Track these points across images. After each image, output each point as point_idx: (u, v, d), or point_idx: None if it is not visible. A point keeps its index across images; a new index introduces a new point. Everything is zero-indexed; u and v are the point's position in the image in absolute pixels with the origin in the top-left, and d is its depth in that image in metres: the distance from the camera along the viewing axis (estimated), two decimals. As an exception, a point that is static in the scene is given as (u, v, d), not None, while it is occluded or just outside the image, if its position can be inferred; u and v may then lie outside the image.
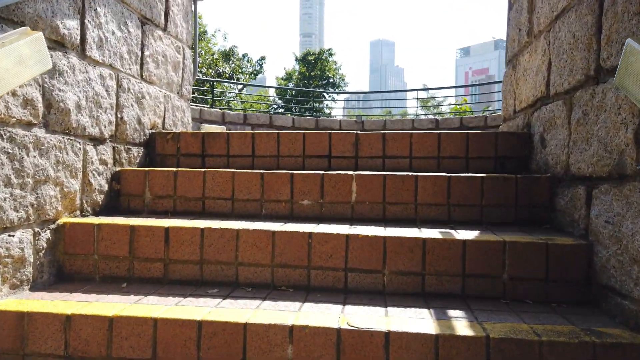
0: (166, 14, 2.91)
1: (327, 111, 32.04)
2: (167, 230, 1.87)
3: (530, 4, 2.51)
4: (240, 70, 24.25)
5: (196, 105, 8.78)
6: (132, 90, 2.50)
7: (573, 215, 1.85)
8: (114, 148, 2.34)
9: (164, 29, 2.90)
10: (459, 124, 8.76)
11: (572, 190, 1.86)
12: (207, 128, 8.32)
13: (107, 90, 2.25)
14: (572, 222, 1.86)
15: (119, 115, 2.38)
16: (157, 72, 2.81)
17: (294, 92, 32.97)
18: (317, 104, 33.04)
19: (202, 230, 1.85)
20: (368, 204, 2.16)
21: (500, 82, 9.58)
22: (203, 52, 22.42)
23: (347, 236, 1.78)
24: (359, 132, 2.56)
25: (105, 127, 2.25)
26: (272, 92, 36.81)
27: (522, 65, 2.63)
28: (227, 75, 23.35)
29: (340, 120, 9.60)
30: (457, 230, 1.92)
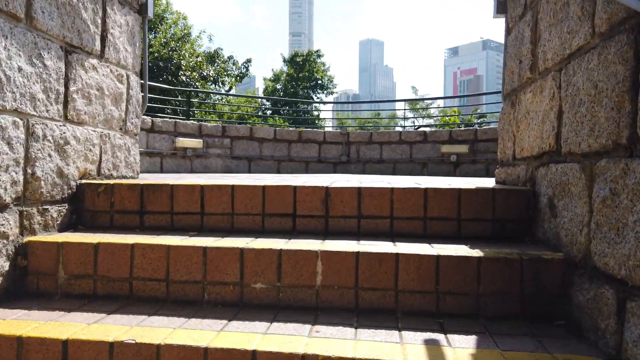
0: (103, 38, 2.45)
1: (315, 113, 31.60)
2: (65, 344, 1.41)
3: (533, 34, 2.09)
4: (225, 73, 23.66)
5: (170, 118, 8.25)
6: (50, 138, 2.03)
7: (597, 321, 1.43)
8: (21, 213, 1.87)
9: (100, 56, 2.43)
10: (448, 136, 8.37)
11: (596, 288, 1.44)
12: (182, 142, 7.83)
13: (9, 143, 1.79)
14: (595, 329, 1.44)
15: (29, 171, 1.91)
16: (90, 109, 2.34)
17: (281, 94, 32.53)
18: (305, 107, 32.63)
19: (112, 345, 1.40)
20: (337, 289, 1.73)
21: (494, 92, 9.23)
22: (187, 55, 21.81)
23: (303, 357, 1.34)
24: (330, 186, 2.13)
25: (6, 190, 1.78)
26: (260, 94, 36.28)
27: (523, 105, 2.21)
28: (212, 78, 22.75)
29: (324, 132, 9.15)
30: (448, 335, 1.49)
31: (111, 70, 2.53)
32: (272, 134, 8.88)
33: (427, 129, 8.80)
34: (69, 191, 2.18)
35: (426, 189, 2.05)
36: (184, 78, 21.07)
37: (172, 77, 21.23)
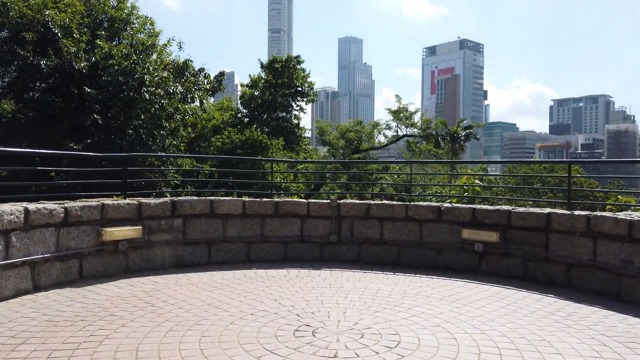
0: None
1: (295, 121, 29.53)
2: None
3: None
4: (195, 87, 21.21)
5: (96, 200, 5.92)
6: None
7: None
8: None
9: None
10: (471, 217, 6.40)
11: None
12: (111, 234, 5.64)
13: None
14: None
15: None
16: None
17: (259, 102, 30.39)
18: (285, 114, 30.53)
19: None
20: None
21: (534, 158, 7.20)
22: (151, 68, 19.26)
23: None
24: None
25: None
26: (237, 99, 33.81)
27: None
28: (180, 95, 20.28)
29: (308, 203, 7.05)
30: None
31: None
32: (239, 208, 6.76)
33: (442, 204, 6.78)
34: None
35: None
36: (147, 95, 18.60)
37: (135, 93, 18.74)
